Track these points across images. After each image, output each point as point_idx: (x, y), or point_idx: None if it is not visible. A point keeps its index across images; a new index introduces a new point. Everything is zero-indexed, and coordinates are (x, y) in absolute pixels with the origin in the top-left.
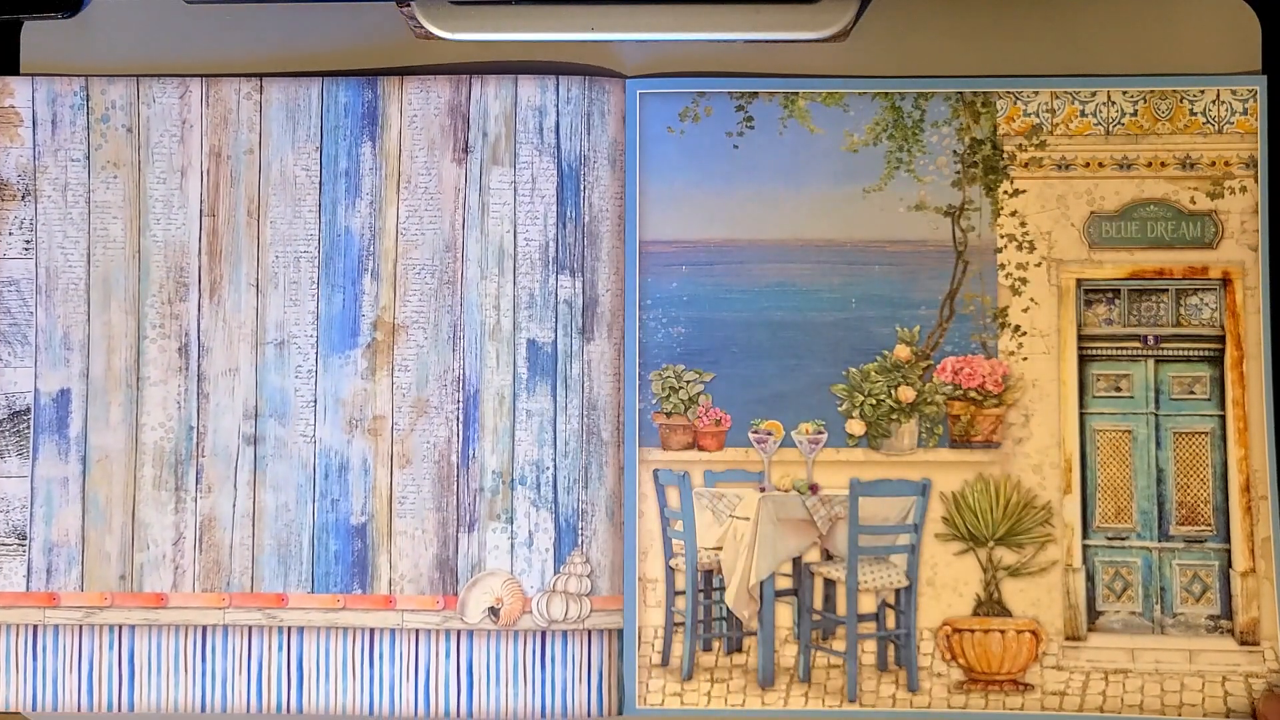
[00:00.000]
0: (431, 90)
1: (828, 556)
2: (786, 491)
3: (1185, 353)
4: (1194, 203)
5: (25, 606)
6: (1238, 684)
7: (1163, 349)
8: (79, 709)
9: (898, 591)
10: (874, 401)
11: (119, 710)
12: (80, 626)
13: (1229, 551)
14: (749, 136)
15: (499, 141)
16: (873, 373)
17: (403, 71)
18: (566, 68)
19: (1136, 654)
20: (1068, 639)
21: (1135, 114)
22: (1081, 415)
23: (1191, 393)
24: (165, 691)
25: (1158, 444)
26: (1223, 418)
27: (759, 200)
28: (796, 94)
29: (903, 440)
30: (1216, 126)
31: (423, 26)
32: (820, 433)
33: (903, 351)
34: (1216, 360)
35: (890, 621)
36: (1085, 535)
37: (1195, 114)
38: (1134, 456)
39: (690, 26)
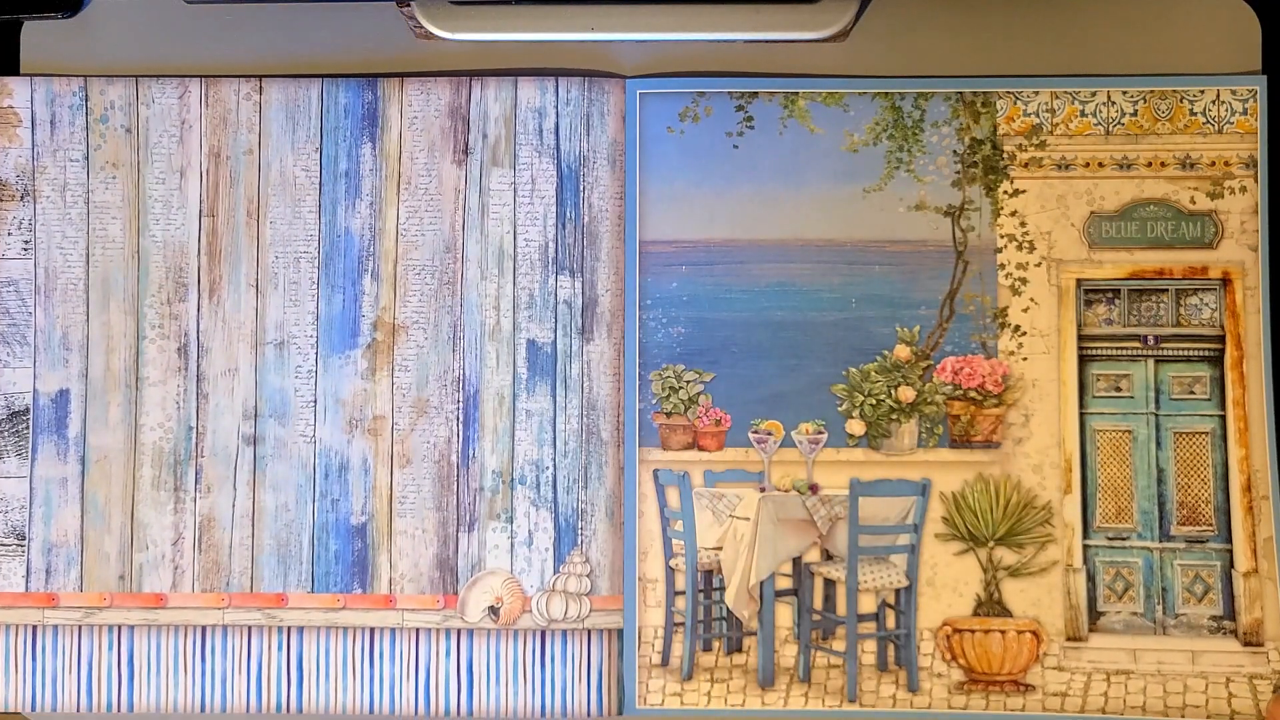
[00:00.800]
0: (431, 92)
1: (828, 556)
2: (786, 491)
3: (1185, 353)
4: (1194, 203)
5: (24, 607)
6: (1242, 685)
7: (1163, 349)
8: (78, 709)
9: (898, 591)
10: (874, 401)
11: (119, 710)
12: (79, 627)
13: (1231, 552)
14: (749, 136)
15: (499, 143)
16: (873, 373)
17: (403, 73)
18: (566, 69)
19: (1138, 655)
20: (1069, 639)
21: (1135, 114)
22: (1082, 415)
23: (1192, 393)
24: (165, 691)
25: (1158, 444)
26: (1223, 418)
27: (759, 200)
28: (796, 94)
29: (903, 440)
30: (1216, 126)
31: (423, 26)
32: (820, 433)
33: (903, 351)
34: (1216, 360)
35: (890, 621)
36: (1086, 535)
37: (1195, 114)
38: (1134, 456)
39: (690, 26)
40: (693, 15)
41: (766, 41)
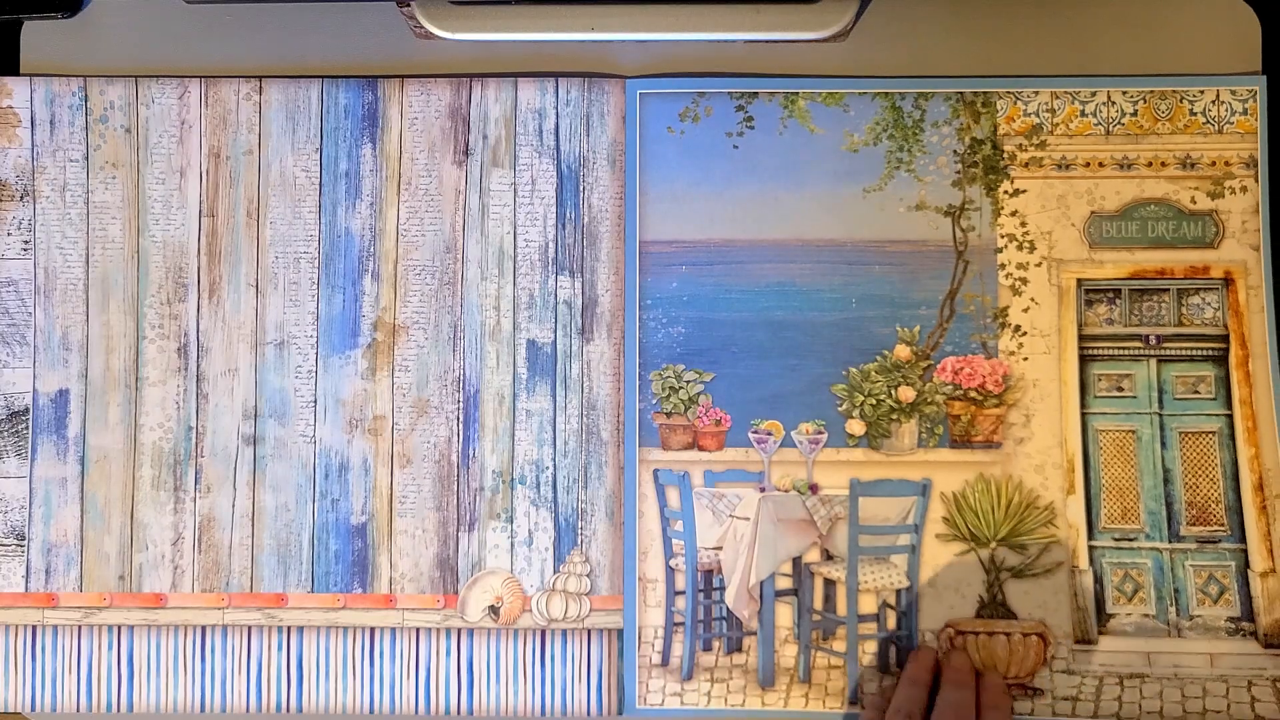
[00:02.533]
0: (432, 93)
1: (828, 556)
2: (786, 491)
3: (1189, 352)
4: (1194, 203)
5: (24, 607)
6: (1265, 689)
7: (1165, 349)
8: (78, 709)
9: (898, 592)
10: (874, 401)
11: (118, 710)
12: (79, 627)
13: (1245, 552)
14: (749, 137)
15: (499, 144)
16: (873, 373)
17: (403, 74)
18: (566, 70)
19: (1153, 658)
20: (1078, 642)
21: (1135, 114)
22: (1084, 415)
23: (1196, 392)
24: (164, 692)
25: (1163, 444)
26: (1230, 417)
27: (759, 200)
28: (796, 94)
29: (903, 440)
30: (1216, 126)
31: (423, 26)
32: (820, 433)
33: (903, 351)
34: (1221, 360)
35: (891, 622)
36: (1091, 536)
37: (1195, 114)
38: (1139, 456)
39: (690, 26)
40: (693, 15)
41: (766, 42)
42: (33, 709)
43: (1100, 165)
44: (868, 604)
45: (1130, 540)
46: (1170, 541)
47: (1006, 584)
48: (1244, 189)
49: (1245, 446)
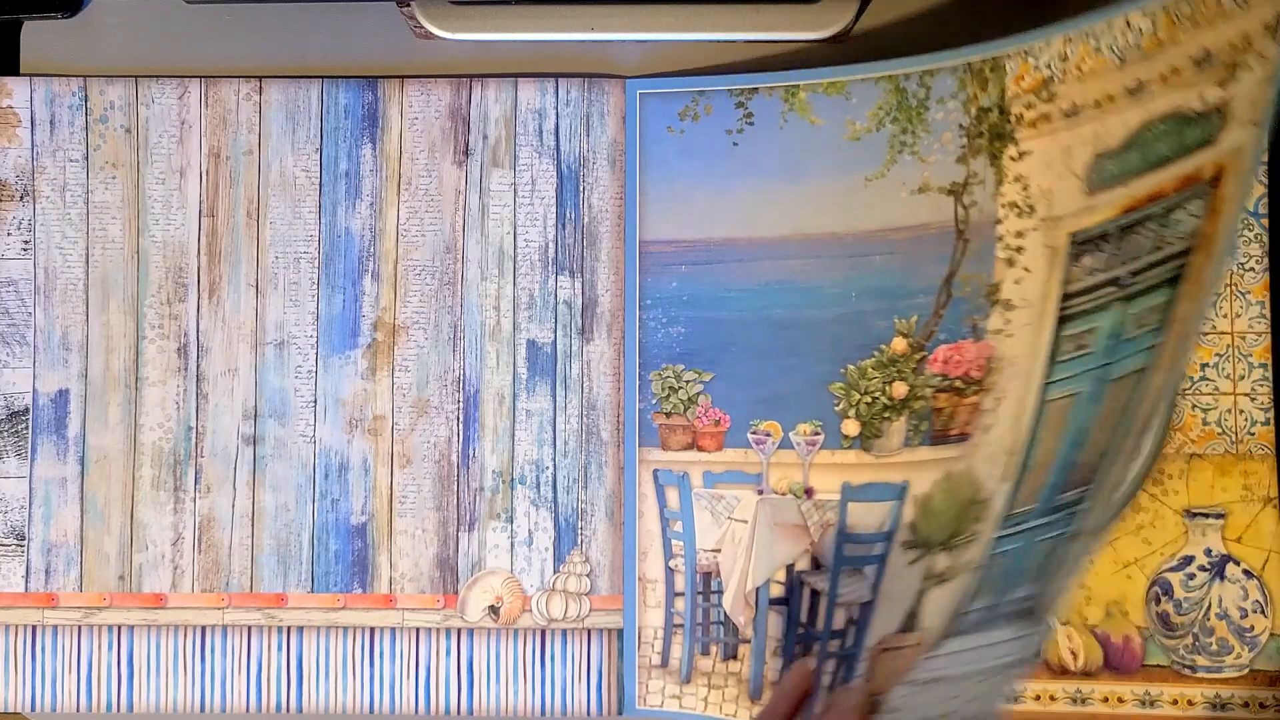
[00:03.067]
0: (432, 93)
1: (816, 565)
2: (783, 495)
3: (1155, 281)
4: (1203, 100)
5: (24, 607)
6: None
7: (1134, 282)
8: (78, 709)
9: (861, 606)
10: (869, 400)
11: (118, 710)
12: (79, 627)
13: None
14: (748, 133)
15: (499, 144)
16: (869, 369)
17: (403, 74)
18: (566, 70)
19: (952, 659)
20: (930, 650)
21: (1153, 28)
22: (1046, 386)
23: (1143, 326)
24: (164, 692)
25: (1098, 400)
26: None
27: (759, 197)
28: (797, 86)
29: (891, 440)
30: (1243, 3)
31: (423, 26)
32: (817, 434)
33: (899, 344)
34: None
35: (851, 639)
36: (1001, 527)
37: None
38: (1069, 422)
39: (690, 26)
40: (693, 15)
41: (767, 42)
42: (33, 709)
43: (1110, 100)
44: (843, 618)
45: (1017, 525)
46: (1042, 517)
47: (929, 593)
48: (1260, 58)
49: (1154, 374)
